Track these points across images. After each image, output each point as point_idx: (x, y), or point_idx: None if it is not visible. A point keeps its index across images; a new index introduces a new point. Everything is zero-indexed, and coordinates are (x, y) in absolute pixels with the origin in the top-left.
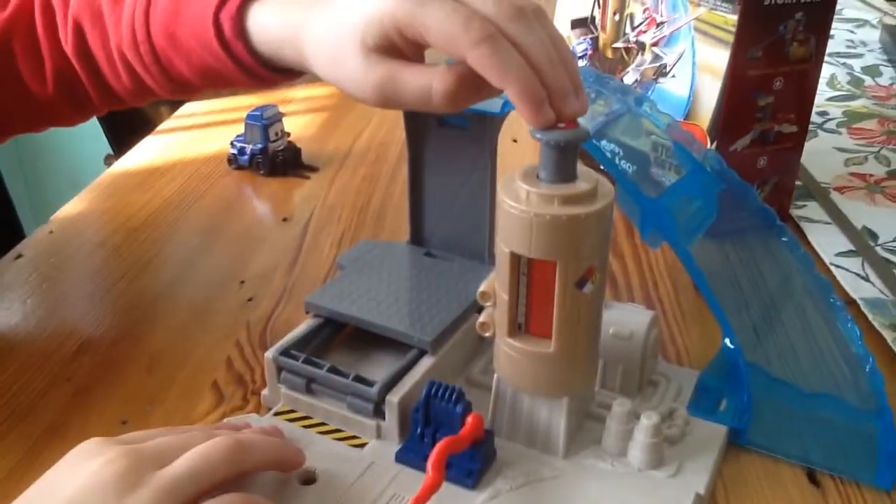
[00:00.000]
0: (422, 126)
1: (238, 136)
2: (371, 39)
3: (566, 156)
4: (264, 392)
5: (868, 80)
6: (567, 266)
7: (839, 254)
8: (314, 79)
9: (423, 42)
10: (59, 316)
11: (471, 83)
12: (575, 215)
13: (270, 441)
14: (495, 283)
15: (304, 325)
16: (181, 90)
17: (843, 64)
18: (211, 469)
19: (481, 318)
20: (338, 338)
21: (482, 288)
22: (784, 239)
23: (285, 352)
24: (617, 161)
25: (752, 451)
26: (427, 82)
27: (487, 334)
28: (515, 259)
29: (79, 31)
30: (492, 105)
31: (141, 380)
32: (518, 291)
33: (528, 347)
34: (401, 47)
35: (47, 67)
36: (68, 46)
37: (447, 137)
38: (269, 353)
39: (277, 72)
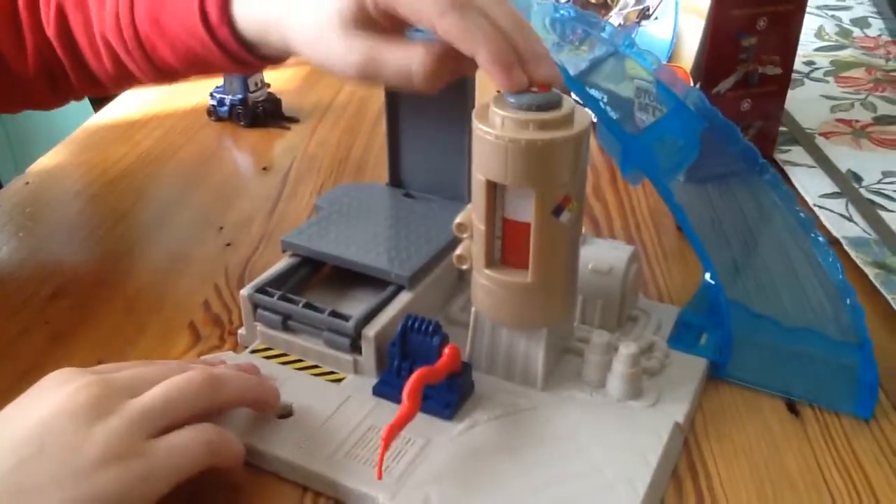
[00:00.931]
0: None
1: (217, 87)
2: (348, 12)
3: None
4: (241, 331)
5: (857, 32)
6: (543, 193)
7: (823, 195)
8: None
9: (394, 13)
10: (35, 262)
11: (448, 61)
12: (551, 140)
13: (245, 377)
14: (472, 215)
15: (281, 264)
16: (164, 77)
17: (832, 16)
18: (184, 400)
19: (458, 251)
20: (315, 277)
21: (458, 219)
22: (767, 177)
23: (261, 289)
24: (601, 106)
25: (733, 384)
26: (407, 62)
27: (465, 267)
28: (492, 187)
29: (61, 14)
30: None
31: (118, 323)
32: (494, 222)
33: (506, 278)
34: (377, 20)
35: (28, 47)
36: (50, 29)
37: None
38: (245, 291)
39: (262, 57)
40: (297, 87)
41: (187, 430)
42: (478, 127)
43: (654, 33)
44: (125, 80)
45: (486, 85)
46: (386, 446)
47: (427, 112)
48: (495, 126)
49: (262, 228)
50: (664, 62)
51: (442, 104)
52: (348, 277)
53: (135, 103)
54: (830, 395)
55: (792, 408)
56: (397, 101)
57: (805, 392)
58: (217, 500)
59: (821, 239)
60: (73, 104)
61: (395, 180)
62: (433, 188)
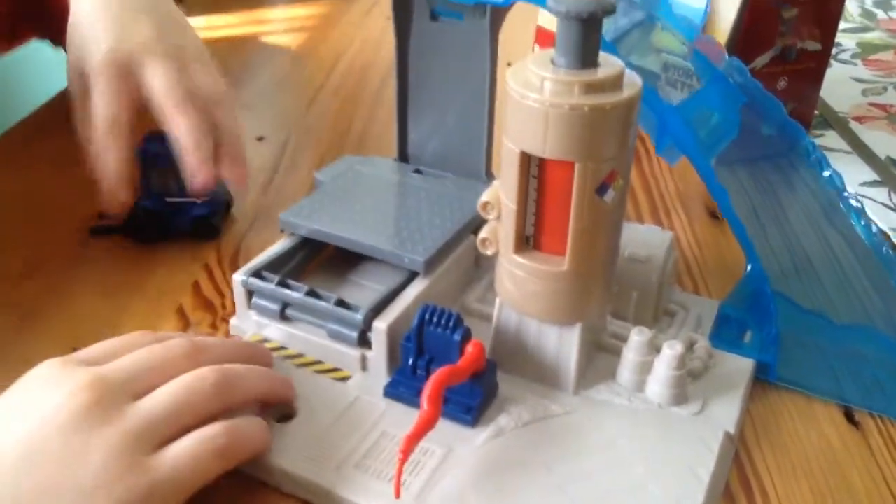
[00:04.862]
0: (410, 18)
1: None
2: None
3: (589, 34)
4: (233, 320)
5: (881, 14)
6: (587, 168)
7: (864, 184)
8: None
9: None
10: (4, 238)
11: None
12: (598, 106)
13: (259, 371)
14: (499, 192)
15: (279, 245)
16: None
17: None
18: (194, 406)
19: (483, 234)
20: (316, 260)
21: (484, 198)
22: (814, 157)
23: (257, 273)
24: None
25: (781, 387)
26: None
27: (490, 252)
28: (525, 160)
29: None
30: None
31: (94, 305)
32: (527, 200)
33: (538, 265)
34: None
35: None
36: None
37: (439, 34)
38: (238, 276)
39: None
40: (294, 53)
41: (195, 437)
42: (512, 89)
43: (686, 2)
44: None
45: (511, 44)
46: (405, 459)
47: (440, 76)
48: (533, 88)
49: (258, 203)
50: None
51: (458, 67)
52: (352, 261)
53: None
54: (890, 401)
55: (850, 417)
56: (407, 60)
57: (862, 397)
58: None
59: (873, 228)
60: (51, 68)
61: (404, 154)
62: (447, 163)
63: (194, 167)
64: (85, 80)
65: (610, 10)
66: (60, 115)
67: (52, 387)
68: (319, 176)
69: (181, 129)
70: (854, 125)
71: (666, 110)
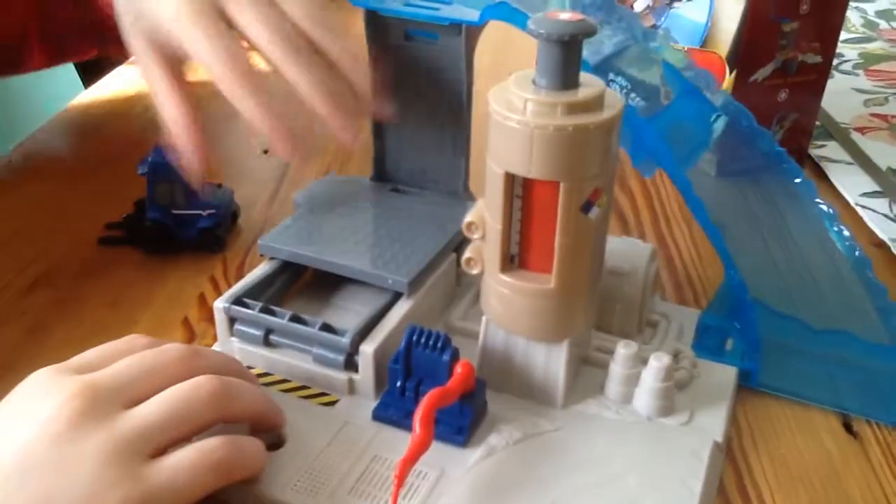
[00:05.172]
0: (384, 39)
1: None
2: None
3: (570, 55)
4: (215, 347)
5: (882, 24)
6: (572, 187)
7: (864, 194)
8: None
9: None
10: (13, 249)
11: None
12: (582, 126)
13: (254, 389)
14: (483, 212)
15: (259, 270)
16: None
17: (857, 8)
18: (189, 415)
19: (467, 253)
20: (297, 284)
21: (469, 218)
22: (784, 166)
23: (238, 300)
24: (625, 95)
25: (778, 397)
26: None
27: (475, 271)
28: (510, 181)
29: None
30: (467, 13)
31: (102, 316)
32: (511, 219)
33: (525, 284)
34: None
35: None
36: None
37: (413, 54)
38: (220, 303)
39: None
40: None
41: (195, 448)
42: (496, 111)
43: (688, 15)
44: None
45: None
46: (400, 483)
47: (416, 95)
48: (516, 110)
49: (264, 215)
50: (696, 47)
51: (434, 86)
52: (333, 283)
53: (127, 80)
54: (872, 403)
55: (848, 427)
56: (383, 80)
57: (842, 400)
58: None
59: (845, 233)
60: (63, 79)
61: (380, 173)
62: (424, 182)
63: (329, 120)
64: (163, 47)
65: (591, 32)
66: (69, 128)
67: (44, 396)
68: (297, 198)
69: (299, 84)
70: (855, 136)
71: (640, 124)
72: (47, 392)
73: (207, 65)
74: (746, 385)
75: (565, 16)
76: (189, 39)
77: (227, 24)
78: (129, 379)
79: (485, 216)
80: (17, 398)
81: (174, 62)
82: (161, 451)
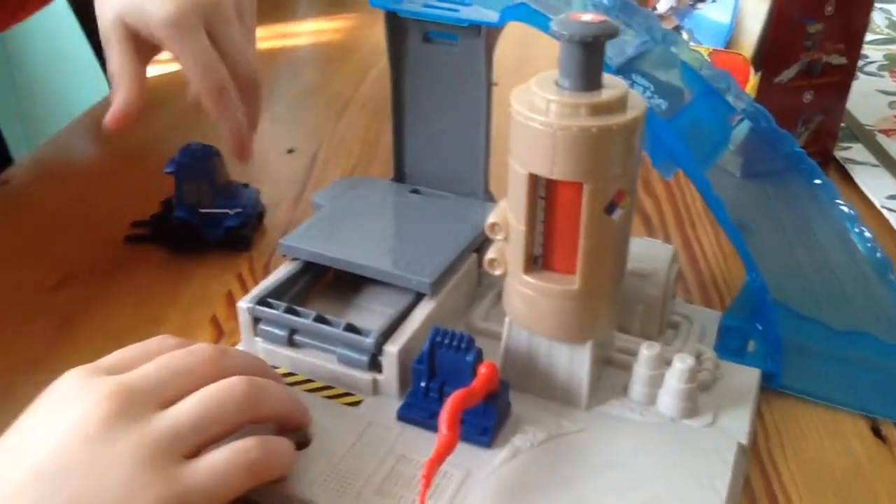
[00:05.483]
0: (404, 41)
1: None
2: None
3: (593, 56)
4: (239, 347)
5: None
6: (595, 188)
7: (890, 196)
8: (321, 12)
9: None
10: (41, 247)
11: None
12: (606, 127)
13: (283, 389)
14: (506, 213)
15: (282, 271)
16: None
17: (881, 9)
18: (222, 416)
19: (490, 254)
20: (317, 285)
21: (491, 219)
22: (803, 166)
23: (262, 300)
24: (648, 97)
25: (806, 400)
26: None
27: (498, 272)
28: (533, 182)
29: None
30: (486, 14)
31: (129, 314)
32: (535, 220)
33: (549, 285)
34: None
35: None
36: None
37: (433, 56)
38: (243, 303)
39: None
40: (323, 66)
41: (229, 449)
42: (519, 112)
43: (711, 16)
44: None
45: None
46: (427, 484)
47: (435, 97)
48: (539, 111)
49: (289, 215)
50: (720, 48)
51: (453, 87)
52: (353, 284)
53: (151, 80)
54: (890, 403)
55: (876, 430)
56: (402, 82)
57: (864, 401)
58: None
59: (867, 234)
60: (88, 80)
61: (400, 174)
62: (443, 183)
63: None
64: (141, 42)
65: (613, 34)
66: (94, 128)
67: (76, 397)
68: (316, 199)
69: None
70: (881, 138)
71: (659, 124)
72: (79, 393)
73: (189, 73)
74: (769, 387)
75: (588, 17)
76: (177, 49)
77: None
78: (161, 380)
79: (508, 217)
80: (49, 399)
81: (141, 46)
82: (194, 452)
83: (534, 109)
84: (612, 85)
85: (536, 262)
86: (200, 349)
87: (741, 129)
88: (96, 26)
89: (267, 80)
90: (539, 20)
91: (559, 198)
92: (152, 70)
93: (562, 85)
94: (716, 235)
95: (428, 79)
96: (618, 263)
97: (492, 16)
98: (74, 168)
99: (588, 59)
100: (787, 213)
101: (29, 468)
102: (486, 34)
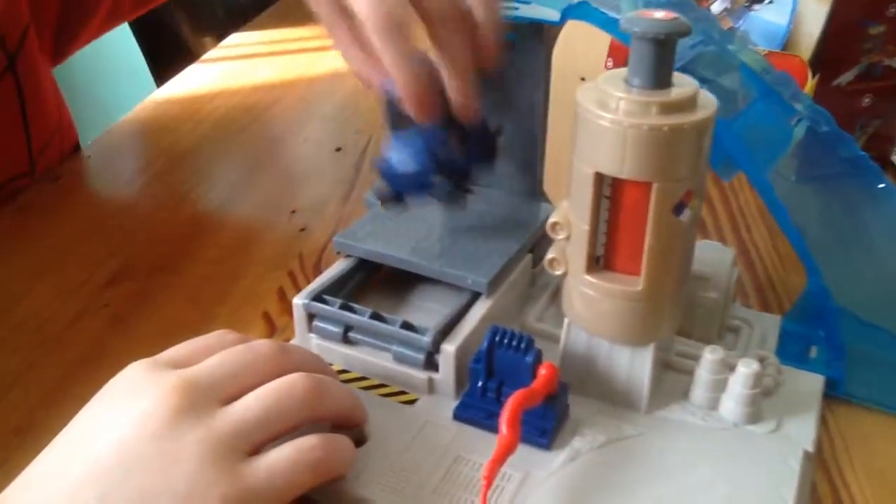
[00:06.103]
0: None
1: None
2: None
3: (664, 54)
4: (292, 342)
5: None
6: (664, 188)
7: None
8: None
9: None
10: (94, 243)
11: None
12: (677, 125)
13: (342, 387)
14: (569, 213)
15: (336, 268)
16: None
17: None
18: (285, 413)
19: (551, 254)
20: (371, 282)
21: (554, 218)
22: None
23: (317, 297)
24: None
25: (870, 408)
26: None
27: (559, 272)
28: (599, 181)
29: None
30: (546, 13)
31: (182, 310)
32: (599, 220)
33: (612, 285)
34: None
35: None
36: None
37: None
38: (299, 299)
39: None
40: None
41: (292, 446)
42: (587, 110)
43: (768, 18)
44: None
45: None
46: (489, 485)
47: (492, 95)
48: (609, 109)
49: (338, 213)
50: (777, 50)
51: (510, 86)
52: (407, 282)
53: (201, 78)
54: None
55: None
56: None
57: None
58: None
59: None
60: (134, 79)
61: None
62: (497, 182)
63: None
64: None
65: (685, 32)
66: (144, 126)
67: (140, 391)
68: (369, 197)
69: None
70: None
71: (719, 126)
72: (143, 387)
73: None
74: (831, 394)
75: (660, 14)
76: None
77: None
78: (224, 375)
79: (571, 217)
80: (112, 392)
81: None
82: (256, 449)
83: (603, 107)
84: (683, 83)
85: (598, 262)
86: (260, 345)
87: (797, 132)
88: (147, 27)
89: (313, 81)
90: (599, 18)
91: (626, 197)
92: (200, 69)
93: (631, 83)
94: (772, 239)
95: (485, 77)
96: (683, 265)
97: (552, 14)
98: (124, 165)
99: (659, 56)
100: (846, 217)
101: (94, 461)
102: (546, 32)
